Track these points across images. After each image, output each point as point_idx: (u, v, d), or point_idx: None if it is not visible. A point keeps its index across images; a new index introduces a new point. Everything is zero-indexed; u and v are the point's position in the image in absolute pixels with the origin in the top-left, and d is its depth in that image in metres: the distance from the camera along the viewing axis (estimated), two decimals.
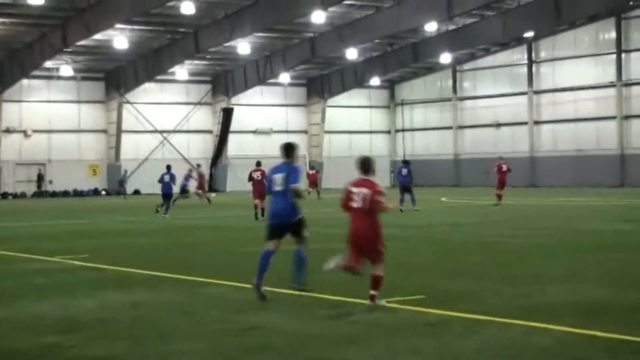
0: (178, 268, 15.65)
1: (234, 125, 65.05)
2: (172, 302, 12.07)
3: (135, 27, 50.93)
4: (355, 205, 11.21)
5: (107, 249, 19.83)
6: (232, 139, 65.51)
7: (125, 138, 61.87)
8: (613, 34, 59.20)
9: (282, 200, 12.06)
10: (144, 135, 63.44)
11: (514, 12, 54.09)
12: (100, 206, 44.17)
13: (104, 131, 62.25)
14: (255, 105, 67.58)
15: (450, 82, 69.29)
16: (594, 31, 60.04)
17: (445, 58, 62.84)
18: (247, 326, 10.08)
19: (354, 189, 11.28)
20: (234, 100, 65.42)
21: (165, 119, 64.13)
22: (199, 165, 51.05)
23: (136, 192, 61.77)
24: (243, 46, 54.91)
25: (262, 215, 28.42)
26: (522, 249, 16.64)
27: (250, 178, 30.40)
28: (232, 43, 53.10)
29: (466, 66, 68.08)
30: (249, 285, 12.48)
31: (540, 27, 57.33)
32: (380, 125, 73.37)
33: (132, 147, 62.74)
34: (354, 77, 66.51)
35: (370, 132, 72.70)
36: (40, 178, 59.49)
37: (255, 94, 66.85)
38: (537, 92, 63.73)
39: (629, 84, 58.95)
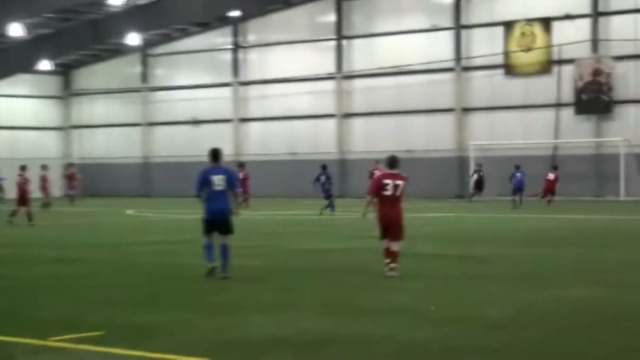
0: None
1: None
2: None
3: None
4: None
5: None
6: None
7: None
8: (333, 17, 61.38)
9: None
10: None
11: None
12: None
13: None
14: None
15: (139, 69, 69.16)
16: (311, 13, 62.00)
17: (133, 39, 62.55)
18: None
19: None
20: None
21: None
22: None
23: None
24: None
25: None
26: (230, 272, 16.91)
27: None
28: None
29: (159, 50, 68.24)
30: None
31: (248, 6, 58.40)
32: (51, 121, 71.97)
33: None
34: (18, 60, 64.54)
35: (38, 128, 71.02)
36: None
37: None
38: (243, 84, 64.90)
39: (349, 77, 61.12)
